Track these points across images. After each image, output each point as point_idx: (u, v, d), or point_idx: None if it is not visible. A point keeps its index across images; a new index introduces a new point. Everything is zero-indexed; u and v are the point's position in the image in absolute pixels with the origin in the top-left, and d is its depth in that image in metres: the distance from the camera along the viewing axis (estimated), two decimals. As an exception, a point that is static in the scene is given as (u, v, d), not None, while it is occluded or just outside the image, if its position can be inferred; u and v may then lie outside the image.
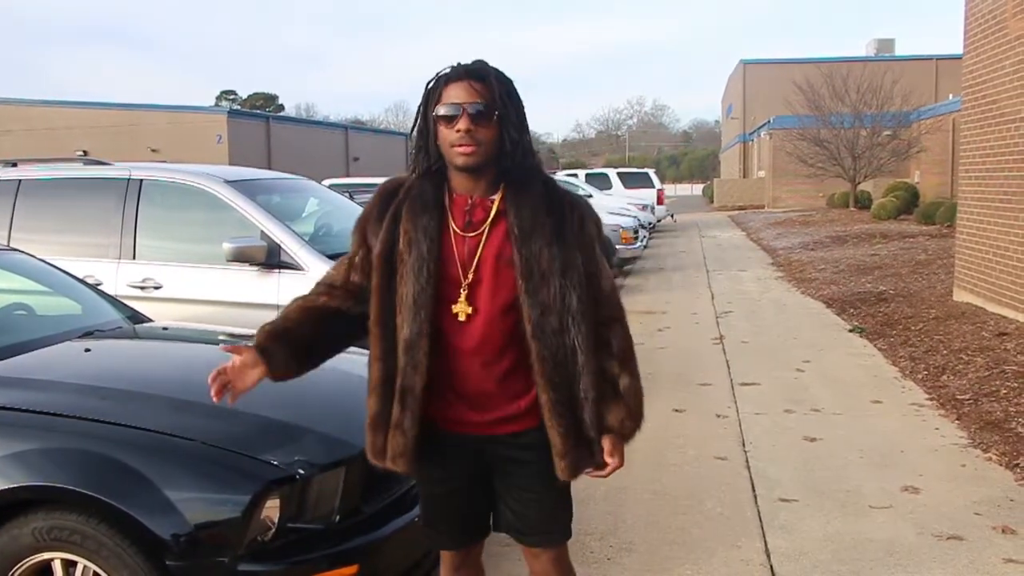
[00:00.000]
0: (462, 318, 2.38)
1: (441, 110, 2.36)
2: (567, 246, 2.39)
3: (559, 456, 2.41)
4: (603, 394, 2.46)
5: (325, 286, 2.62)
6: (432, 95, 2.40)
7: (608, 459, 2.48)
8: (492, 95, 2.36)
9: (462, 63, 2.41)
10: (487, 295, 2.39)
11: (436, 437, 2.49)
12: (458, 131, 2.33)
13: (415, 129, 2.46)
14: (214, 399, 2.52)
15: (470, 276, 2.38)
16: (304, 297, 2.67)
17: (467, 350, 2.40)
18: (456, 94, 2.35)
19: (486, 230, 2.40)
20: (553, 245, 2.37)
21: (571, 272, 2.39)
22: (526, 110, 2.46)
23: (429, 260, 2.37)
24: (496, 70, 2.41)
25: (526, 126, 2.45)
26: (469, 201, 2.42)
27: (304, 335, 2.60)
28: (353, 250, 2.54)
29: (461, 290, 2.38)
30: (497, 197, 2.42)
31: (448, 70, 2.41)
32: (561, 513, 2.58)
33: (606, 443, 2.47)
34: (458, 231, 2.41)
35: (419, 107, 2.44)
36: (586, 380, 2.41)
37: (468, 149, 2.33)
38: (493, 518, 2.63)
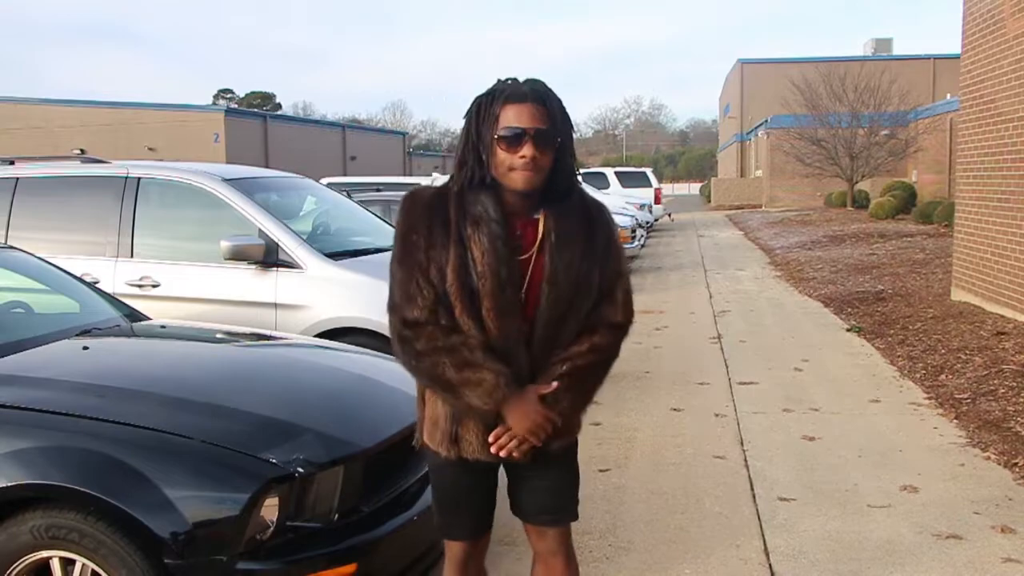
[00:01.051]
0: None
1: (504, 132, 2.33)
2: (593, 259, 2.47)
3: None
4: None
5: (435, 324, 2.40)
6: (488, 111, 2.37)
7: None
8: (553, 120, 2.37)
9: (515, 80, 2.40)
10: (529, 311, 2.43)
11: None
12: (522, 157, 2.32)
13: (465, 144, 2.41)
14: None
15: (523, 296, 2.42)
16: (427, 339, 2.40)
17: (518, 360, 2.45)
18: (519, 117, 2.33)
19: (534, 252, 2.43)
20: (582, 259, 2.44)
21: (590, 284, 2.46)
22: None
23: (513, 274, 2.38)
24: (554, 92, 2.41)
25: (573, 146, 2.48)
26: (519, 222, 2.44)
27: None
28: (424, 275, 2.38)
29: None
30: (541, 217, 2.44)
31: (507, 87, 2.38)
32: (570, 492, 2.64)
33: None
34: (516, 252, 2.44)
35: (470, 119, 2.41)
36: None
37: (531, 175, 2.34)
38: (510, 503, 2.69)
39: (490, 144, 2.36)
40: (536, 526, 2.65)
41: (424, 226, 2.40)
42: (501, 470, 2.65)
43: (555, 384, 2.41)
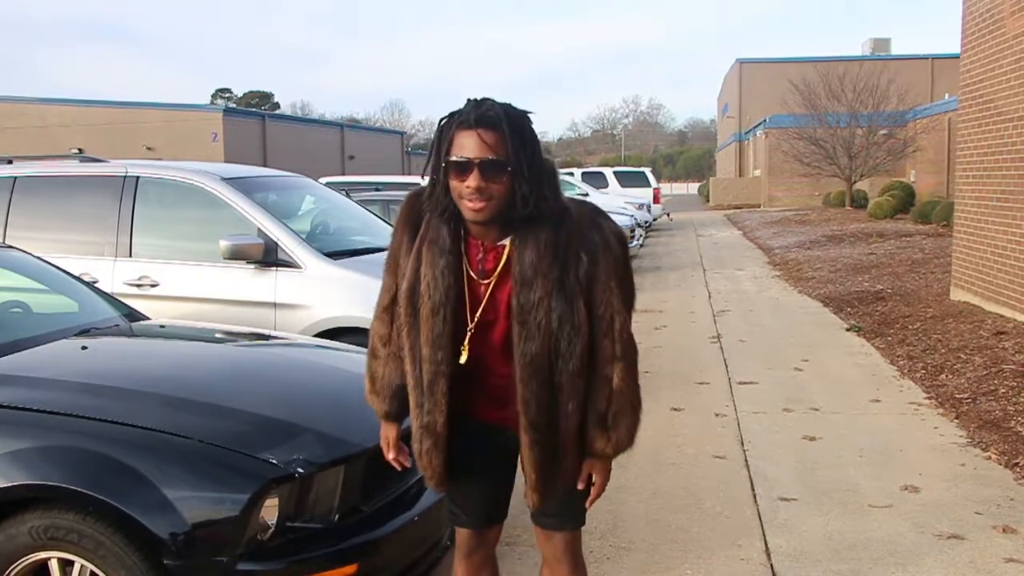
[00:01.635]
0: (462, 360, 2.44)
1: (452, 159, 2.29)
2: (569, 294, 2.35)
3: (531, 488, 2.46)
4: (589, 424, 2.46)
5: (383, 344, 2.65)
6: (444, 136, 2.32)
7: (580, 484, 2.52)
8: (505, 146, 2.26)
9: (475, 103, 2.30)
10: (487, 341, 2.44)
11: (466, 425, 2.55)
12: (468, 187, 2.27)
13: (428, 165, 2.38)
14: (397, 466, 2.74)
15: (474, 321, 2.42)
16: (374, 345, 2.70)
17: (474, 385, 2.50)
18: (467, 145, 2.26)
19: (494, 280, 2.41)
20: (552, 295, 2.34)
21: (568, 321, 2.35)
22: (538, 137, 2.38)
23: (446, 304, 2.39)
24: (509, 114, 2.29)
25: (542, 169, 2.35)
26: (482, 247, 2.42)
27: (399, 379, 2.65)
28: (390, 294, 2.59)
29: (467, 333, 2.43)
30: (507, 243, 2.39)
31: (461, 111, 2.31)
32: (576, 499, 2.59)
33: (585, 467, 2.51)
34: (473, 276, 2.42)
35: (432, 143, 2.37)
36: (567, 425, 2.43)
37: (479, 205, 2.28)
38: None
39: (444, 170, 2.32)
40: (543, 529, 2.64)
41: (402, 231, 2.50)
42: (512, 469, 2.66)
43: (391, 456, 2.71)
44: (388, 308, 2.59)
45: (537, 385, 2.37)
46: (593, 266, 2.37)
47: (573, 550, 2.66)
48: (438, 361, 2.41)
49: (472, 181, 2.26)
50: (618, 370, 2.43)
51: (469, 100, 2.33)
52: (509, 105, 2.33)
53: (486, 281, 2.40)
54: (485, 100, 2.31)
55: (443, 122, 2.34)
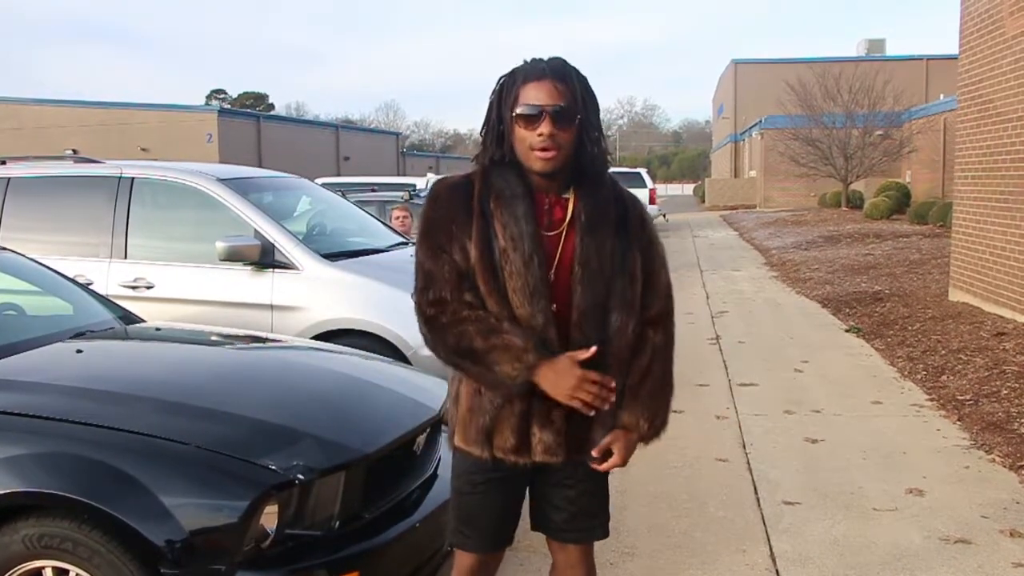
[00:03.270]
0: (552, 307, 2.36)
1: (521, 110, 2.28)
2: (628, 242, 2.40)
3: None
4: (625, 390, 2.41)
5: (459, 300, 2.34)
6: (508, 91, 2.32)
7: (601, 454, 2.40)
8: (574, 96, 2.30)
9: (541, 59, 2.34)
10: (564, 293, 2.36)
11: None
12: (540, 134, 2.26)
13: (487, 124, 2.37)
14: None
15: (551, 276, 2.35)
16: (469, 318, 2.33)
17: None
18: (537, 95, 2.27)
19: (564, 230, 2.37)
20: (615, 240, 2.37)
21: (626, 268, 2.38)
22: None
23: (536, 248, 2.31)
24: (576, 69, 2.34)
25: (600, 124, 2.41)
26: (547, 199, 2.38)
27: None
28: (447, 255, 2.34)
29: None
30: (571, 196, 2.38)
31: (527, 66, 2.33)
32: (598, 510, 2.56)
33: (612, 437, 2.41)
34: (541, 228, 2.36)
35: (492, 101, 2.37)
36: (619, 374, 2.39)
37: (550, 154, 2.28)
38: (532, 517, 2.60)
39: (510, 124, 2.31)
40: (561, 542, 2.57)
41: (447, 207, 2.38)
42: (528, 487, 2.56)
43: (593, 349, 2.30)
44: (460, 286, 2.33)
45: (591, 330, 2.34)
46: (642, 226, 2.45)
47: (588, 560, 2.60)
48: (542, 309, 2.31)
49: (545, 127, 2.25)
50: (665, 326, 2.46)
51: (527, 60, 2.35)
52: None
53: (555, 232, 2.36)
54: (549, 58, 2.34)
55: (505, 79, 2.34)
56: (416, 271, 2.39)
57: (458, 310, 2.32)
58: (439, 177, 2.47)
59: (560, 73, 2.30)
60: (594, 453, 2.40)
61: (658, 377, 2.44)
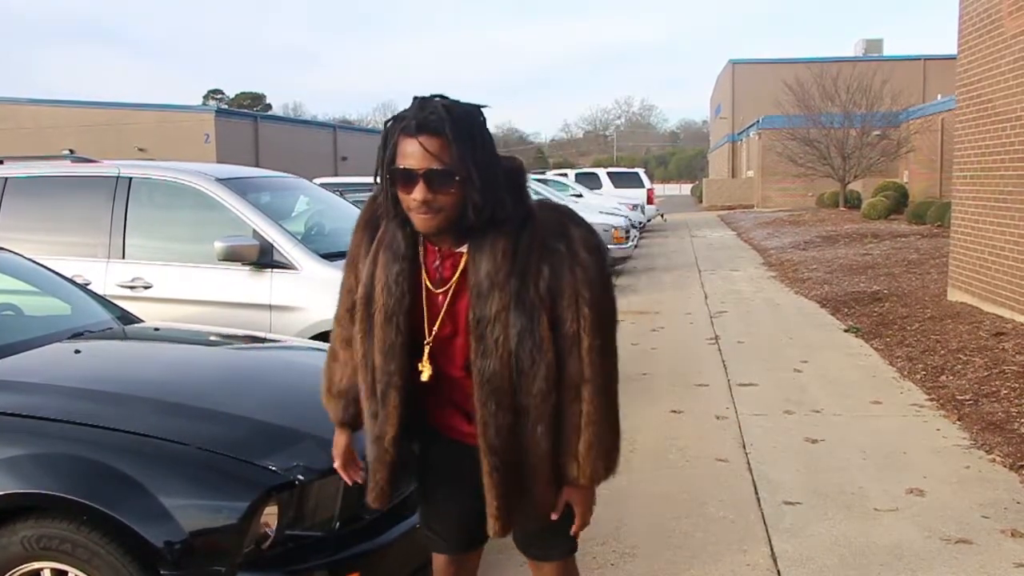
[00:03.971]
0: (424, 377, 2.28)
1: (396, 169, 2.11)
2: (529, 308, 2.15)
3: (491, 517, 2.26)
4: (561, 451, 2.26)
5: (343, 347, 2.52)
6: (388, 141, 2.13)
7: (554, 515, 2.31)
8: (450, 152, 2.06)
9: (418, 103, 2.09)
10: (448, 355, 2.27)
11: (438, 442, 2.44)
12: (414, 199, 2.09)
13: (377, 172, 2.19)
14: (349, 479, 2.59)
15: (432, 334, 2.26)
16: (336, 360, 2.57)
17: (440, 403, 2.37)
18: (410, 153, 2.07)
19: (452, 287, 2.23)
20: (510, 309, 2.15)
21: (528, 337, 2.15)
22: (491, 132, 2.17)
23: (399, 313, 2.25)
24: (454, 115, 2.07)
25: (496, 173, 2.14)
26: (439, 253, 2.26)
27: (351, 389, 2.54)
28: (351, 296, 2.45)
29: (425, 347, 2.27)
30: (465, 250, 2.22)
31: (403, 114, 2.11)
32: (562, 528, 2.37)
33: (563, 495, 2.31)
34: (430, 287, 2.26)
35: (379, 149, 2.16)
36: (538, 448, 2.23)
37: (425, 217, 2.11)
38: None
39: (391, 180, 2.15)
40: (531, 560, 2.51)
41: (361, 233, 2.39)
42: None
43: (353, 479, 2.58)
44: (350, 310, 2.44)
45: (496, 406, 2.17)
46: (556, 279, 2.16)
47: (567, 574, 2.52)
48: (390, 372, 2.26)
49: (418, 194, 2.08)
50: (587, 393, 2.20)
51: (415, 99, 2.12)
52: (456, 103, 2.11)
53: (443, 290, 2.24)
54: (429, 100, 2.09)
55: (388, 125, 2.14)
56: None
57: (336, 335, 2.53)
58: (377, 190, 2.29)
59: (434, 127, 2.05)
60: (553, 516, 2.32)
61: (592, 435, 2.23)
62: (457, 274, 2.22)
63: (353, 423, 2.54)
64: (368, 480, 2.43)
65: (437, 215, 2.10)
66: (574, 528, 2.36)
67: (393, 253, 2.26)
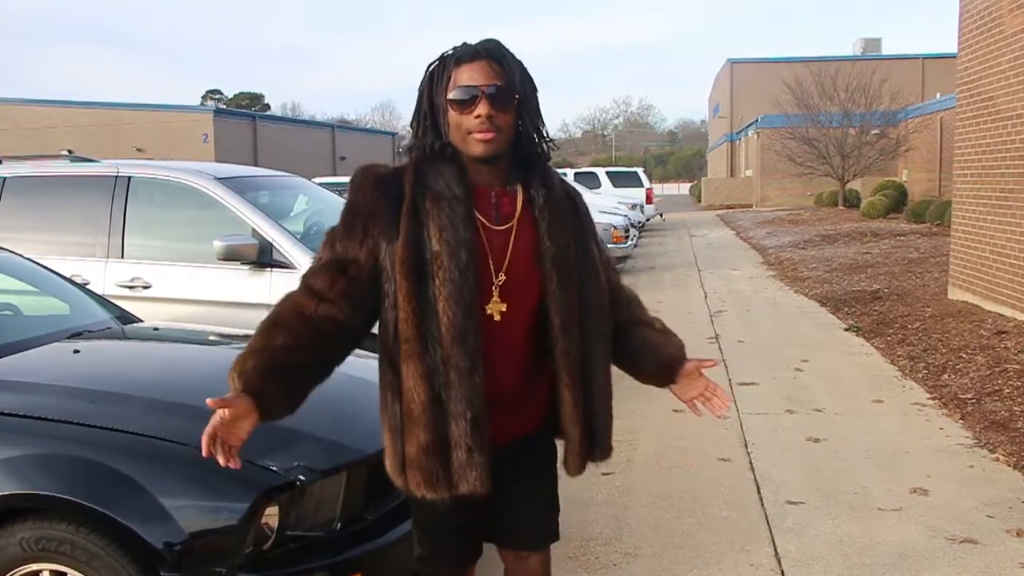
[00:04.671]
0: (497, 317, 2.19)
1: (455, 94, 2.13)
2: (585, 236, 2.33)
3: (575, 453, 2.33)
4: (647, 339, 2.51)
5: (314, 293, 2.20)
6: (440, 76, 2.17)
7: (719, 395, 2.49)
8: (510, 77, 2.16)
9: (471, 43, 2.19)
10: (519, 291, 2.22)
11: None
12: (477, 116, 2.11)
13: (418, 114, 2.22)
14: (219, 461, 2.09)
15: (502, 275, 2.20)
16: (292, 307, 2.23)
17: (500, 352, 2.20)
18: (471, 76, 2.13)
19: (514, 225, 2.23)
20: (577, 237, 2.29)
21: (591, 263, 2.32)
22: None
23: (471, 258, 2.12)
24: (509, 49, 2.21)
25: (541, 115, 2.27)
26: (493, 193, 2.22)
27: (301, 363, 2.19)
28: (343, 253, 2.18)
29: (493, 288, 2.20)
30: (519, 187, 2.26)
31: (458, 49, 2.18)
32: (554, 514, 2.49)
33: (690, 366, 2.48)
34: (488, 223, 2.20)
35: (421, 89, 2.21)
36: (602, 375, 2.34)
37: (488, 136, 2.12)
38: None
39: (444, 110, 2.17)
40: (517, 550, 2.46)
41: (371, 195, 2.18)
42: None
43: None
44: (339, 266, 2.18)
45: (577, 334, 2.27)
46: (588, 215, 2.39)
47: (547, 565, 2.50)
48: (474, 321, 2.12)
49: (482, 109, 2.11)
50: (641, 308, 2.56)
51: (455, 47, 2.21)
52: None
53: (507, 226, 2.22)
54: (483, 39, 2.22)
55: (435, 65, 2.20)
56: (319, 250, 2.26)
57: (312, 298, 2.19)
58: (365, 165, 2.27)
59: (495, 54, 2.16)
60: (687, 370, 2.51)
61: (650, 323, 2.58)
62: (519, 208, 2.24)
63: (270, 402, 2.15)
64: (461, 470, 2.16)
65: (497, 135, 2.14)
66: (720, 405, 2.50)
67: (450, 194, 2.14)
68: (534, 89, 2.25)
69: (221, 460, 2.09)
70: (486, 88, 2.12)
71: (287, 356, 2.17)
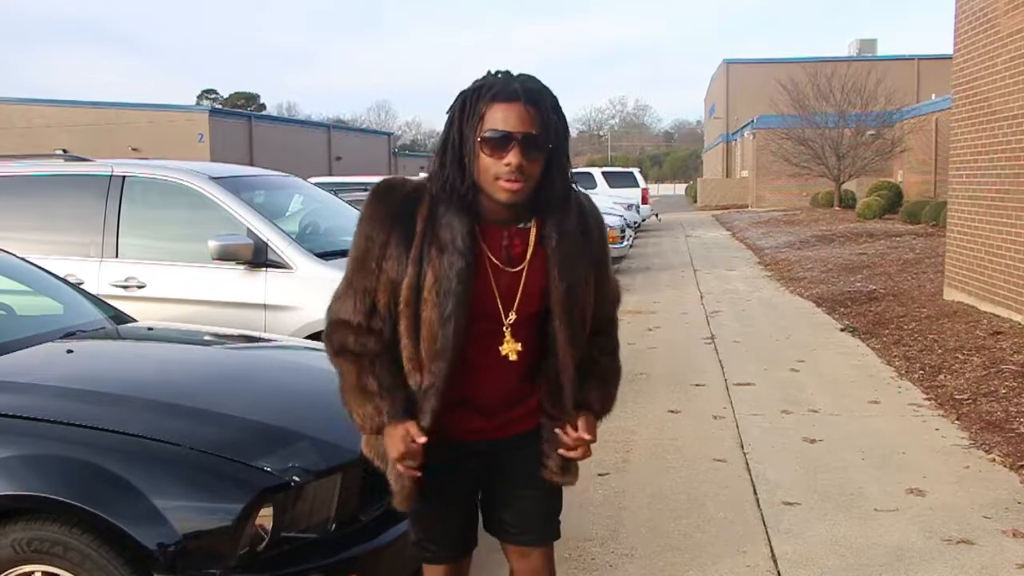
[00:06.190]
0: (513, 357, 2.25)
1: (489, 134, 2.07)
2: (598, 268, 2.34)
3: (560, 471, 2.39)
4: (588, 385, 2.39)
5: (357, 330, 2.25)
6: (472, 108, 2.10)
7: (585, 435, 2.29)
8: (545, 123, 2.09)
9: (508, 74, 2.12)
10: (530, 329, 2.28)
11: (437, 446, 2.32)
12: (507, 164, 2.06)
13: (445, 143, 2.15)
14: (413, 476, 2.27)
15: (513, 314, 2.24)
16: (339, 345, 2.28)
17: (502, 377, 2.30)
18: (506, 119, 2.06)
19: (526, 266, 2.23)
20: (590, 274, 2.30)
21: (592, 294, 2.32)
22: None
23: (462, 311, 2.15)
24: (548, 90, 2.15)
25: (568, 147, 2.25)
26: (506, 233, 2.22)
27: (380, 374, 2.27)
28: (359, 284, 2.23)
29: (505, 329, 2.24)
30: (533, 225, 2.23)
31: (495, 83, 2.10)
32: (556, 511, 2.50)
33: (582, 421, 2.32)
34: (498, 264, 2.21)
35: (452, 116, 2.14)
36: (574, 373, 2.34)
37: (516, 186, 2.08)
38: (486, 522, 2.52)
39: (473, 147, 2.09)
40: (520, 546, 2.47)
41: (384, 233, 2.19)
42: (485, 489, 2.50)
43: (422, 439, 2.18)
44: (370, 315, 2.23)
45: (575, 367, 2.30)
46: (601, 244, 2.37)
47: (551, 562, 2.51)
48: (440, 374, 2.19)
49: (513, 158, 2.05)
50: (611, 331, 2.47)
51: (495, 72, 2.14)
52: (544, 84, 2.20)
53: (519, 268, 2.22)
54: (519, 73, 2.14)
55: (469, 95, 2.12)
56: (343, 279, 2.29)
57: (347, 337, 2.25)
58: (379, 188, 2.25)
59: (533, 96, 2.08)
60: (574, 433, 2.28)
61: (605, 367, 2.42)
62: (531, 249, 2.23)
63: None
64: (395, 484, 2.34)
65: (525, 184, 2.10)
66: (578, 455, 2.33)
67: (451, 238, 2.14)
68: (567, 133, 2.21)
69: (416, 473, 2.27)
70: (519, 135, 2.06)
71: (392, 380, 2.26)
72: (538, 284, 2.24)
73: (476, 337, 2.22)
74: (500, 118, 2.06)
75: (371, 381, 2.23)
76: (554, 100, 2.15)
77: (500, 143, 2.07)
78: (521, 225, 2.23)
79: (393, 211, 2.20)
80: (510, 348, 2.24)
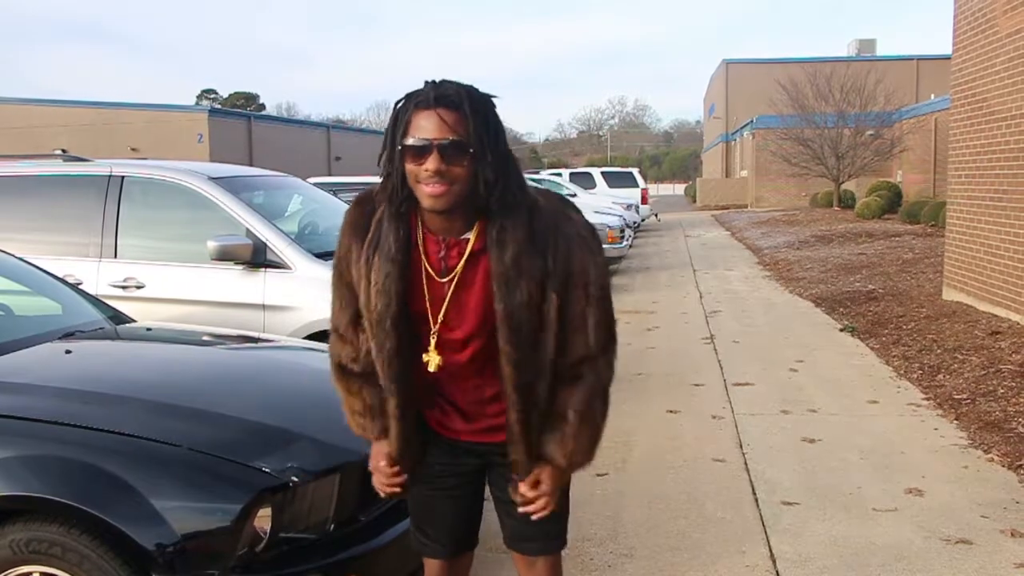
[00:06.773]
0: (432, 368, 2.24)
1: (408, 142, 2.08)
2: (551, 287, 2.17)
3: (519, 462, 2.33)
4: (549, 424, 2.26)
5: (343, 339, 2.39)
6: (400, 120, 2.11)
7: (529, 492, 2.26)
8: (466, 127, 2.06)
9: (433, 83, 2.12)
10: (453, 346, 2.24)
11: (434, 441, 2.41)
12: (427, 170, 2.05)
13: (382, 154, 2.17)
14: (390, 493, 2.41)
15: (438, 323, 2.22)
16: (336, 360, 2.42)
17: (445, 387, 2.34)
18: (425, 126, 2.06)
19: (457, 275, 2.19)
20: (538, 291, 2.15)
21: (548, 320, 2.19)
22: (503, 123, 2.18)
23: (388, 315, 2.19)
24: (471, 94, 2.10)
25: (506, 156, 2.15)
26: (442, 243, 2.20)
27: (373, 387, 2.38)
28: (348, 290, 2.32)
29: (431, 337, 2.23)
30: (472, 235, 2.18)
31: (418, 92, 2.11)
32: (560, 519, 2.45)
33: (541, 474, 2.27)
34: (434, 276, 2.21)
35: (387, 130, 2.16)
36: (523, 410, 2.24)
37: (437, 190, 2.07)
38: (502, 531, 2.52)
39: (402, 154, 2.11)
40: (524, 555, 2.47)
41: (348, 239, 2.28)
42: (482, 490, 2.53)
43: (396, 473, 2.37)
44: (353, 323, 2.33)
45: (527, 391, 2.20)
46: (569, 260, 2.17)
47: (557, 571, 2.50)
48: (393, 372, 2.24)
49: (431, 164, 2.05)
50: (591, 368, 2.23)
51: (427, 81, 2.13)
52: (471, 86, 2.13)
53: (448, 279, 2.20)
54: (445, 80, 2.12)
55: (399, 105, 2.13)
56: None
57: (337, 351, 2.40)
58: (361, 192, 2.31)
59: (449, 101, 2.07)
60: (521, 488, 2.27)
61: (577, 418, 2.24)
62: (463, 261, 2.19)
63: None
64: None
65: (449, 188, 2.07)
66: (536, 508, 2.28)
67: (386, 253, 2.19)
68: (496, 135, 2.13)
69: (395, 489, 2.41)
70: (437, 141, 2.05)
71: (355, 400, 2.41)
72: (477, 298, 2.19)
73: (421, 346, 2.27)
74: (419, 126, 2.07)
75: (356, 402, 2.39)
76: (479, 103, 2.11)
77: (419, 151, 2.07)
78: (463, 237, 2.19)
79: (359, 220, 2.28)
80: (430, 358, 2.24)
